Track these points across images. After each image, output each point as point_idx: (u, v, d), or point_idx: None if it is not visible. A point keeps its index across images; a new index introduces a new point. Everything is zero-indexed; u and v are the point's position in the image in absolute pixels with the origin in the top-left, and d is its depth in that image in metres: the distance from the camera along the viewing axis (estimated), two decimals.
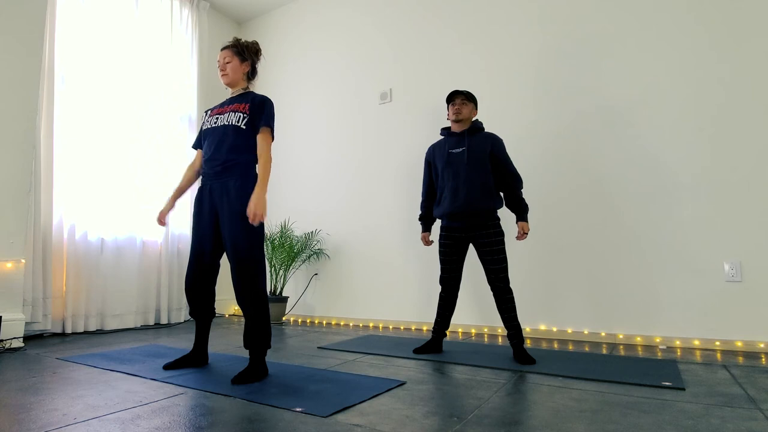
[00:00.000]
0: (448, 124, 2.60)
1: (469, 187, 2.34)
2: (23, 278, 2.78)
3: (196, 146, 2.27)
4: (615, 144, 2.89)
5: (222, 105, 2.15)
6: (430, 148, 2.59)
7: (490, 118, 3.31)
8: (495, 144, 2.41)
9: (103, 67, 3.52)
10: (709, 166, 2.62)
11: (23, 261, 2.78)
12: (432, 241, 2.61)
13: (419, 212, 2.62)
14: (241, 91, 2.14)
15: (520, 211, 2.41)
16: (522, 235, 2.40)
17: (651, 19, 2.85)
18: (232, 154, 2.01)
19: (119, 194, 3.54)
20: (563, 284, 2.96)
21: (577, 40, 3.07)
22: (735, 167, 2.56)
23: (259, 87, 4.67)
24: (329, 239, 3.99)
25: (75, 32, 3.35)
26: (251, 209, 1.87)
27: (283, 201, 4.32)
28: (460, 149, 2.41)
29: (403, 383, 1.82)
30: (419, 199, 3.50)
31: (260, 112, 2.03)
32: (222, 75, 2.13)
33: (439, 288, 2.55)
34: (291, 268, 3.93)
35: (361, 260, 3.80)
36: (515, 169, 2.43)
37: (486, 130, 2.49)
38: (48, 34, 3.13)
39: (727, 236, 2.55)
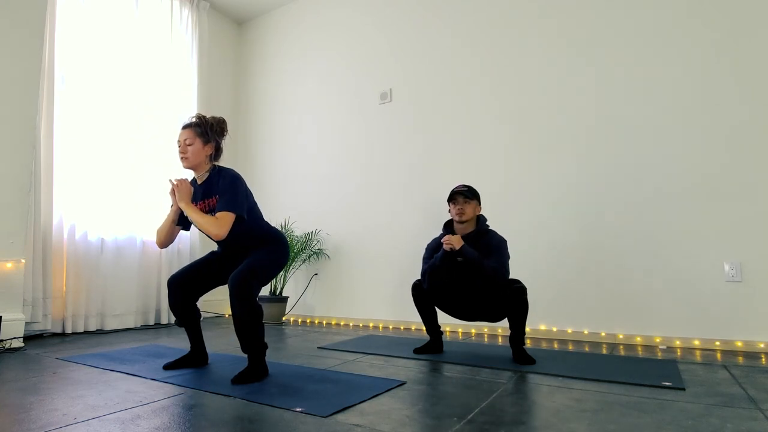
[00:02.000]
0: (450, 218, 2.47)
1: (476, 304, 2.33)
2: (23, 278, 2.78)
3: (178, 223, 2.10)
4: (615, 146, 2.89)
5: (194, 199, 2.01)
6: (434, 243, 2.45)
7: (490, 117, 3.31)
8: (493, 246, 2.29)
9: (103, 67, 3.52)
10: (710, 166, 2.62)
11: (23, 261, 2.78)
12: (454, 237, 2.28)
13: (425, 281, 2.41)
14: (207, 176, 2.01)
15: (477, 258, 2.19)
16: (447, 242, 2.21)
17: (652, 23, 2.85)
18: (246, 244, 2.02)
19: (119, 194, 3.54)
20: (563, 285, 2.96)
21: (578, 41, 3.07)
22: (735, 167, 2.56)
23: (260, 88, 4.67)
24: (329, 239, 3.99)
25: (75, 32, 3.35)
26: (176, 181, 1.97)
27: (283, 201, 4.31)
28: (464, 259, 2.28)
29: (403, 383, 1.82)
30: (419, 198, 3.51)
31: (221, 195, 1.92)
32: (182, 158, 1.97)
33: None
34: (291, 268, 3.93)
35: (361, 260, 3.80)
36: (507, 266, 2.28)
37: (490, 230, 2.37)
38: (48, 34, 3.13)
39: (727, 236, 2.55)
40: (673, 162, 2.72)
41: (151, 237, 3.75)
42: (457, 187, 2.38)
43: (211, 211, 1.96)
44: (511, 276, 2.37)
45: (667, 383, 1.77)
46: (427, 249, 2.48)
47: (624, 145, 2.86)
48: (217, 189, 1.96)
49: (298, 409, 1.47)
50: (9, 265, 2.69)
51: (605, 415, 1.43)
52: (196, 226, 1.92)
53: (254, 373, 1.85)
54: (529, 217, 3.10)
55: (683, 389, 1.72)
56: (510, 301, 2.20)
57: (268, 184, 4.44)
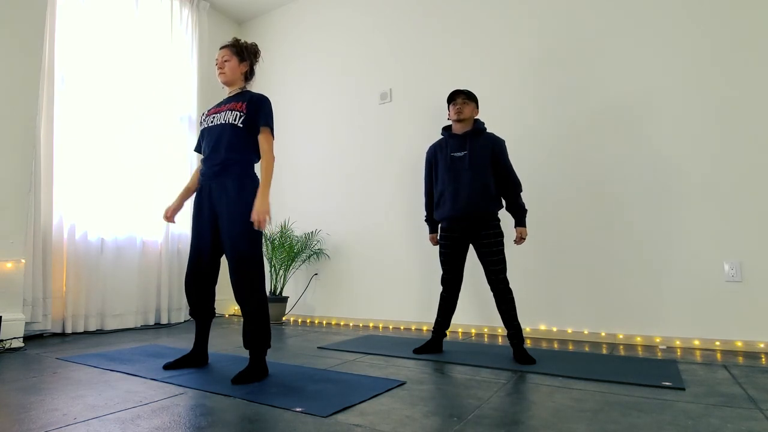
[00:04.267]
0: (449, 123, 2.59)
1: (470, 192, 2.34)
2: (23, 278, 2.78)
3: (197, 149, 2.28)
4: (615, 145, 2.89)
5: (219, 104, 2.15)
6: (431, 148, 2.58)
7: (490, 118, 3.31)
8: (496, 147, 2.41)
9: (103, 67, 3.52)
10: (709, 166, 2.62)
11: (23, 261, 2.78)
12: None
13: (424, 214, 2.63)
14: (239, 90, 2.14)
15: (519, 216, 2.41)
16: (520, 239, 2.41)
17: (651, 19, 2.84)
18: (229, 153, 2.00)
19: (119, 194, 3.54)
20: (563, 284, 2.96)
21: (578, 40, 3.07)
22: (735, 167, 2.56)
23: (260, 87, 4.66)
24: (329, 239, 3.99)
25: (75, 32, 3.35)
26: (255, 215, 1.86)
27: (283, 201, 4.31)
28: (462, 153, 2.40)
29: (403, 383, 1.82)
30: (419, 199, 3.51)
31: (258, 110, 2.02)
32: (219, 73, 2.12)
33: (439, 288, 2.55)
34: (291, 268, 3.93)
35: (361, 260, 3.80)
36: (515, 174, 2.44)
37: (488, 131, 2.49)
38: (48, 34, 3.13)
39: (727, 236, 2.55)
40: (673, 161, 2.71)
41: (151, 237, 3.75)
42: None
43: (230, 110, 2.04)
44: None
45: (667, 383, 1.77)
46: (426, 159, 2.59)
47: (624, 145, 2.86)
48: (245, 97, 2.06)
49: (298, 409, 1.47)
50: (9, 265, 2.70)
51: (605, 415, 1.43)
52: (268, 169, 1.99)
53: (254, 373, 1.85)
54: (528, 217, 3.10)
55: (683, 389, 1.72)
56: (495, 297, 2.32)
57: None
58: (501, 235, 2.35)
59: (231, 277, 1.92)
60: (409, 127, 3.68)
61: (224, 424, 1.34)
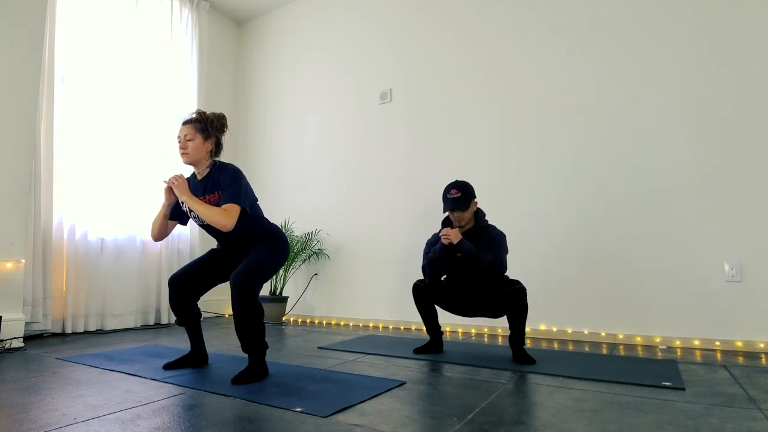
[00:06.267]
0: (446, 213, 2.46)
1: (477, 289, 2.35)
2: (23, 278, 2.78)
3: (173, 218, 2.11)
4: (615, 144, 2.89)
5: (194, 192, 2.00)
6: (433, 238, 2.44)
7: (488, 118, 3.31)
8: (492, 240, 2.29)
9: (103, 67, 3.52)
10: (710, 166, 2.62)
11: (23, 261, 2.78)
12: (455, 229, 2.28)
13: (428, 264, 2.40)
14: (207, 171, 2.01)
15: (473, 250, 2.20)
16: (445, 234, 2.21)
17: (654, 20, 2.84)
18: (247, 239, 2.03)
19: (119, 194, 3.54)
20: (563, 284, 2.96)
21: (576, 42, 3.07)
22: (735, 167, 2.56)
23: (259, 88, 4.67)
24: (329, 239, 3.99)
25: (75, 32, 3.35)
26: (173, 178, 1.95)
27: (283, 201, 4.32)
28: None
29: (403, 383, 1.82)
30: (419, 198, 3.51)
31: (224, 189, 1.93)
32: (182, 153, 1.96)
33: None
34: (291, 268, 3.93)
35: (361, 260, 3.80)
36: (501, 262, 2.25)
37: (489, 224, 2.38)
38: (48, 34, 3.13)
39: (727, 236, 2.55)
40: (672, 161, 2.71)
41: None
42: (450, 192, 2.31)
43: (214, 205, 1.96)
44: (512, 275, 2.42)
45: (667, 383, 1.77)
46: (427, 244, 2.48)
47: (623, 145, 2.86)
48: (219, 184, 1.96)
49: (298, 409, 1.47)
50: (9, 265, 2.69)
51: (605, 415, 1.43)
52: (203, 218, 1.90)
53: (254, 373, 1.85)
54: (528, 217, 3.11)
55: (683, 389, 1.72)
56: (509, 301, 2.20)
57: (268, 184, 4.44)
58: (517, 282, 2.24)
59: (238, 276, 1.86)
60: (409, 127, 3.68)
61: (224, 424, 1.34)
